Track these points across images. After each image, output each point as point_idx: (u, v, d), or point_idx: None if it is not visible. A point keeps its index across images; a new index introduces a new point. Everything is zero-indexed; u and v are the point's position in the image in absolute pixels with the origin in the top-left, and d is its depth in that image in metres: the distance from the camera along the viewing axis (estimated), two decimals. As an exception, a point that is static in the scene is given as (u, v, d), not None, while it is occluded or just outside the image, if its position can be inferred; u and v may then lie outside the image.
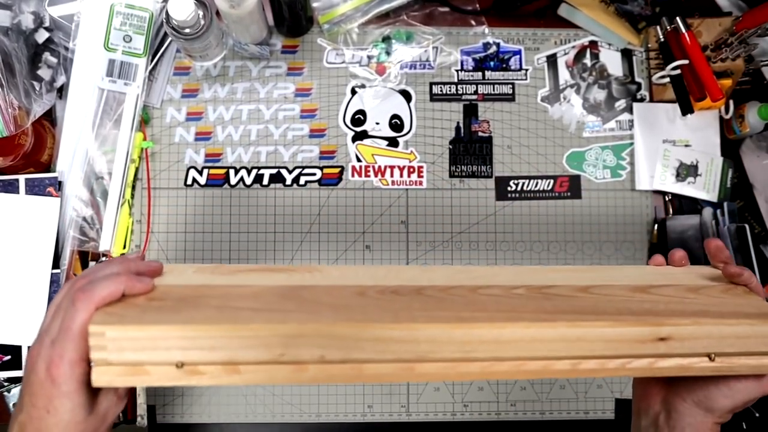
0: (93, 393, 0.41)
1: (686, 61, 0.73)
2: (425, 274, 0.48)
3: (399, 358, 0.38)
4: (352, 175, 0.76)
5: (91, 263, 0.73)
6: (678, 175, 0.77)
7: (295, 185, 0.76)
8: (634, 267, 0.52)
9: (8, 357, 0.68)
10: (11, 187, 0.70)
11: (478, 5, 0.79)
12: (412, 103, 0.78)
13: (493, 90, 0.78)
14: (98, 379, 0.38)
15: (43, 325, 0.42)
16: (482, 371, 0.39)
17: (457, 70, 0.78)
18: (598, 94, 0.79)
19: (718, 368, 0.41)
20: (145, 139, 0.75)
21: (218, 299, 0.42)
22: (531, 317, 0.40)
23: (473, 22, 0.79)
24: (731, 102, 0.77)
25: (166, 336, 0.37)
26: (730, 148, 0.79)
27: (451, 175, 0.77)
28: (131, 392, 0.71)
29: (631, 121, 0.78)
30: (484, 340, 0.39)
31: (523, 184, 0.77)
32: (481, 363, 0.39)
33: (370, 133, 0.77)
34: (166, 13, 0.66)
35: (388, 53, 0.78)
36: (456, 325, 0.39)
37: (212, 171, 0.76)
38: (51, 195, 0.70)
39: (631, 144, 0.78)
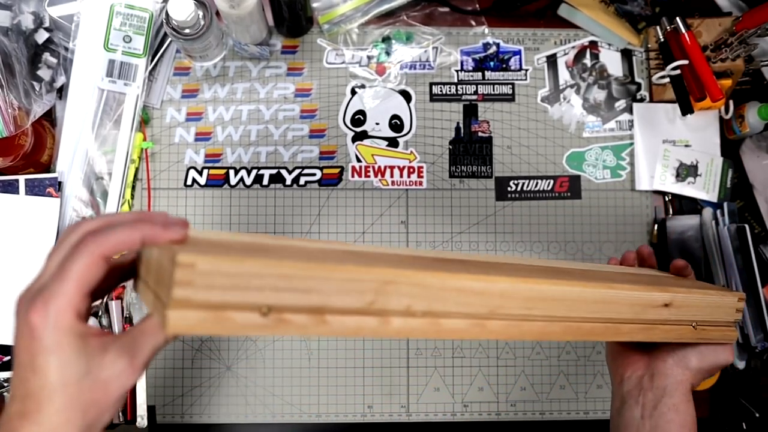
0: (89, 352, 0.34)
1: (686, 62, 0.73)
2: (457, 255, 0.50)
3: (474, 313, 0.39)
4: (352, 176, 0.76)
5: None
6: (678, 175, 0.77)
7: (295, 185, 0.76)
8: (599, 264, 0.59)
9: (8, 357, 0.68)
10: (11, 188, 0.70)
11: (478, 5, 0.79)
12: (412, 104, 0.78)
13: (493, 90, 0.78)
14: (176, 324, 0.30)
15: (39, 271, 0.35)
16: (541, 331, 0.42)
17: (457, 71, 0.78)
18: (598, 95, 0.79)
19: (698, 336, 0.49)
20: (145, 139, 0.75)
21: (291, 251, 0.37)
22: (579, 279, 0.43)
23: (473, 23, 0.79)
24: (731, 102, 0.77)
25: (263, 273, 0.32)
26: (730, 148, 0.78)
27: (451, 176, 0.77)
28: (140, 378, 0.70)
29: (631, 121, 0.78)
30: (544, 297, 0.41)
31: (523, 184, 0.77)
32: (539, 323, 0.41)
33: (370, 134, 0.77)
34: (166, 13, 0.66)
35: (388, 53, 0.78)
36: (522, 279, 0.40)
37: (212, 171, 0.76)
38: (51, 195, 0.70)
39: (631, 144, 0.78)
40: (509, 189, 0.77)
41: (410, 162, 0.77)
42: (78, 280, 0.33)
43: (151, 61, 0.75)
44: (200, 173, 0.76)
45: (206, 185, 0.76)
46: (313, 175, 0.76)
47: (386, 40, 0.78)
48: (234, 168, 0.76)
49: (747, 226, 0.73)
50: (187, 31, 0.68)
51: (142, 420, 0.72)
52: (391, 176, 0.77)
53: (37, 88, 0.71)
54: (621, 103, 0.79)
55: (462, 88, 0.78)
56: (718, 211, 0.75)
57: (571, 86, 0.79)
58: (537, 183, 0.77)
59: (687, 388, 0.51)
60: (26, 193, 0.70)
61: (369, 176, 0.76)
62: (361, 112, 0.77)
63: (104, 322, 0.72)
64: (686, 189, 0.77)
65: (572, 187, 0.77)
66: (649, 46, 0.79)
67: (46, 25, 0.72)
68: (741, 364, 0.73)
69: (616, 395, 0.55)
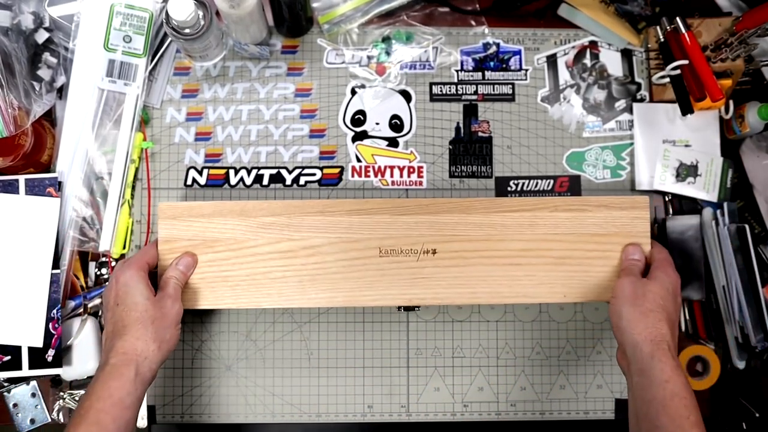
0: (150, 294, 0.60)
1: (686, 61, 0.73)
2: None
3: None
4: (352, 176, 0.76)
5: (91, 263, 0.73)
6: (678, 175, 0.77)
7: (295, 185, 0.76)
8: None
9: (8, 357, 0.68)
10: (11, 188, 0.70)
11: (478, 5, 0.79)
12: (412, 104, 0.78)
13: (493, 90, 0.78)
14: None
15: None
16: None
17: (457, 71, 0.78)
18: (598, 95, 0.79)
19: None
20: (145, 139, 0.75)
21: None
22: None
23: (473, 22, 0.79)
24: (731, 102, 0.76)
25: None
26: (730, 148, 0.78)
27: (451, 176, 0.77)
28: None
29: (631, 121, 0.78)
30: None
31: (523, 184, 0.77)
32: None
33: (370, 134, 0.77)
34: (166, 13, 0.66)
35: (388, 53, 0.78)
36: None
37: (212, 171, 0.76)
38: (51, 195, 0.70)
39: (631, 144, 0.78)
40: (509, 189, 0.77)
41: (410, 162, 0.77)
42: (143, 256, 0.63)
43: (151, 61, 0.75)
44: (200, 173, 0.76)
45: (206, 185, 0.76)
46: (313, 175, 0.76)
47: (386, 40, 0.78)
48: (234, 168, 0.76)
49: (747, 226, 0.72)
50: (187, 31, 0.68)
51: (142, 420, 0.72)
52: (391, 176, 0.77)
53: (37, 88, 0.71)
54: (621, 103, 0.79)
55: (462, 88, 0.78)
56: (718, 211, 0.75)
57: (571, 86, 0.79)
58: (537, 183, 0.77)
59: (643, 349, 0.56)
60: (26, 193, 0.70)
61: (369, 176, 0.77)
62: (361, 112, 0.77)
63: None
64: (686, 189, 0.77)
65: (572, 187, 0.77)
66: (649, 46, 0.79)
67: (46, 25, 0.72)
68: (741, 364, 0.73)
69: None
